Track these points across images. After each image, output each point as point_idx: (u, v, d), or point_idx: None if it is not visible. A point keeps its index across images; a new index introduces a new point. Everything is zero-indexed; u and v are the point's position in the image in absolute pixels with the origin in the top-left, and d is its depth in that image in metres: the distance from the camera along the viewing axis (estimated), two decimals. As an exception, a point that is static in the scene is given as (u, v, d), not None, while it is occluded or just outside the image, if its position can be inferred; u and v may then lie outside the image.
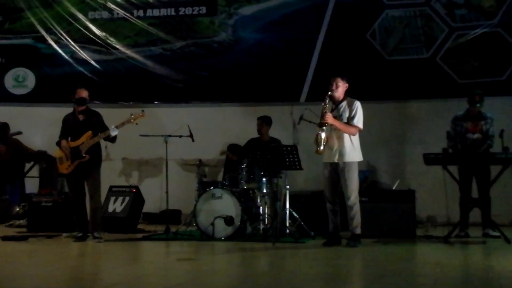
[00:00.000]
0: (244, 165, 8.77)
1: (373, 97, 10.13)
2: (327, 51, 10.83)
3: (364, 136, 8.05)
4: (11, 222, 10.27)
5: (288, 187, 8.40)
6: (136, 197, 9.72)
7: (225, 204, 8.45)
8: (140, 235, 8.98)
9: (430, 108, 10.50)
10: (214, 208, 8.46)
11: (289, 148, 8.31)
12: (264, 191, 8.61)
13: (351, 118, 7.79)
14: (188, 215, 9.42)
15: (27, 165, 11.29)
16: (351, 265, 6.86)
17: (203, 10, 11.50)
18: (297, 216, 8.47)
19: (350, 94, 7.96)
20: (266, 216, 8.58)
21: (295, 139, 8.71)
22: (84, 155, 8.36)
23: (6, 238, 8.69)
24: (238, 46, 11.32)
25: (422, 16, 10.67)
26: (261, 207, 8.60)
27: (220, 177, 10.28)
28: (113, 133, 8.40)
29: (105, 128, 8.48)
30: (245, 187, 8.75)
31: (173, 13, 11.61)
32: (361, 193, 7.98)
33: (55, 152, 8.80)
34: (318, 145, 7.65)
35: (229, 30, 11.39)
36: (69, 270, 6.61)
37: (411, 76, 10.55)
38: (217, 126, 10.91)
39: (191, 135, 9.44)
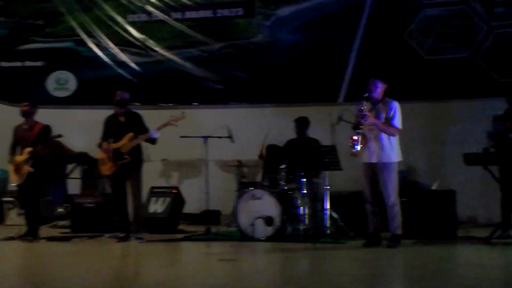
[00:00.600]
0: (284, 166, 8.81)
1: (411, 97, 10.08)
2: (365, 51, 10.81)
3: (403, 136, 8.02)
4: (54, 223, 10.45)
5: (327, 187, 8.42)
6: (176, 198, 9.82)
7: (265, 204, 8.49)
8: (181, 236, 9.06)
9: (470, 108, 10.40)
10: (254, 209, 8.50)
11: (328, 149, 8.34)
12: (304, 191, 8.64)
13: (389, 119, 7.79)
14: (228, 216, 9.50)
15: (69, 167, 11.48)
16: (391, 266, 6.86)
17: (240, 11, 11.56)
18: (337, 217, 8.50)
19: (388, 94, 7.95)
20: (305, 216, 8.60)
21: (334, 140, 8.70)
22: (125, 156, 8.48)
23: (50, 239, 8.87)
24: (275, 47, 11.35)
25: (460, 15, 10.59)
26: (300, 208, 8.62)
27: (259, 178, 10.33)
28: (154, 135, 8.51)
29: (146, 130, 8.58)
30: (285, 188, 8.79)
31: (210, 15, 11.68)
32: (400, 193, 7.94)
33: (97, 153, 8.94)
34: (353, 146, 7.68)
35: (266, 31, 11.42)
36: (112, 270, 6.71)
37: (450, 76, 10.48)
38: (256, 127, 10.93)
39: (230, 136, 9.51)
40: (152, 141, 8.63)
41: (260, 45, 11.42)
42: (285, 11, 11.38)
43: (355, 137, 7.65)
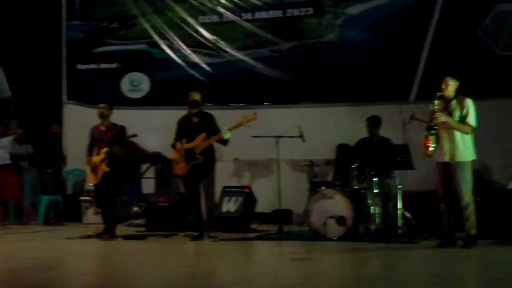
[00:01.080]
0: (355, 165, 8.79)
1: (486, 94, 9.86)
2: (437, 48, 10.66)
3: (477, 134, 7.87)
4: (129, 222, 10.70)
5: (400, 186, 8.36)
6: (248, 197, 9.91)
7: (337, 204, 8.50)
8: (253, 235, 9.15)
9: (547, 104, 10.14)
10: (326, 208, 8.51)
11: (400, 148, 8.27)
12: (376, 191, 8.60)
13: (464, 117, 7.67)
14: (300, 215, 9.53)
15: (144, 167, 11.73)
16: (466, 267, 6.75)
17: (310, 11, 11.56)
18: (410, 216, 8.42)
19: (462, 92, 7.83)
20: (377, 216, 8.56)
21: (406, 139, 8.62)
22: (198, 156, 8.59)
23: (126, 237, 9.07)
24: (345, 46, 11.31)
25: (536, 10, 10.33)
26: (372, 207, 8.58)
27: (330, 177, 10.32)
28: (226, 136, 8.59)
29: (218, 130, 8.67)
30: (356, 187, 8.76)
31: (280, 15, 11.73)
32: (475, 192, 7.79)
33: (170, 153, 9.09)
34: (427, 147, 7.59)
35: (336, 30, 11.39)
36: (188, 268, 6.80)
37: (525, 72, 10.25)
38: (327, 127, 10.94)
39: (301, 136, 9.54)
40: (224, 142, 8.71)
41: (330, 44, 11.40)
42: (355, 9, 11.33)
43: (429, 138, 7.56)
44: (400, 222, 8.30)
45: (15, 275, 6.19)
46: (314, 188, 9.16)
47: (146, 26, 12.30)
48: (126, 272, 6.50)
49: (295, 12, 11.63)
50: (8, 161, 10.67)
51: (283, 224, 9.22)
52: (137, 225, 10.42)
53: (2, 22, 12.36)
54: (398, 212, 8.30)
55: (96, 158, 9.09)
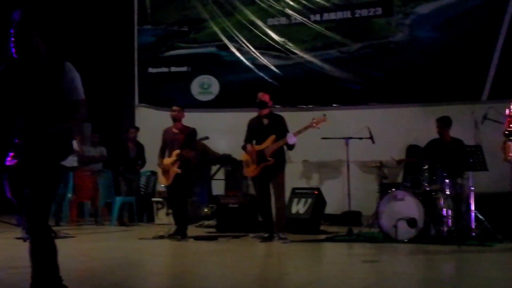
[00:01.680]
0: (426, 167, 8.69)
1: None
2: (510, 46, 10.43)
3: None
4: (200, 223, 10.84)
5: (472, 188, 8.23)
6: (318, 199, 9.91)
7: (408, 206, 8.41)
8: (323, 236, 9.14)
9: None
10: (396, 210, 8.44)
11: (473, 149, 8.14)
12: (447, 192, 8.47)
13: (541, 117, 7.50)
14: (370, 217, 9.48)
15: (214, 168, 11.87)
16: (542, 270, 6.62)
17: (379, 11, 11.49)
18: (483, 219, 8.27)
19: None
20: (449, 218, 8.44)
21: (478, 139, 8.48)
22: (269, 158, 8.63)
23: (197, 238, 9.18)
24: (415, 46, 11.20)
25: None
26: (444, 209, 8.47)
27: (400, 179, 10.22)
28: (290, 141, 8.57)
29: (287, 133, 8.70)
30: (427, 189, 8.66)
31: (349, 15, 11.71)
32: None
33: (241, 155, 9.17)
34: (506, 152, 7.44)
35: (406, 30, 11.29)
36: (259, 270, 6.86)
37: None
38: (396, 128, 10.85)
39: (371, 137, 9.48)
40: (290, 146, 8.72)
41: (400, 44, 11.31)
42: (425, 8, 11.21)
43: (508, 144, 7.40)
44: (473, 224, 8.17)
45: (91, 274, 6.36)
46: (384, 189, 9.11)
47: (216, 29, 12.45)
48: (198, 273, 6.59)
49: (364, 12, 11.58)
50: (75, 164, 10.90)
51: (352, 226, 9.18)
52: (208, 226, 10.55)
53: (78, 28, 12.71)
54: (471, 214, 8.17)
55: (168, 160, 9.23)
